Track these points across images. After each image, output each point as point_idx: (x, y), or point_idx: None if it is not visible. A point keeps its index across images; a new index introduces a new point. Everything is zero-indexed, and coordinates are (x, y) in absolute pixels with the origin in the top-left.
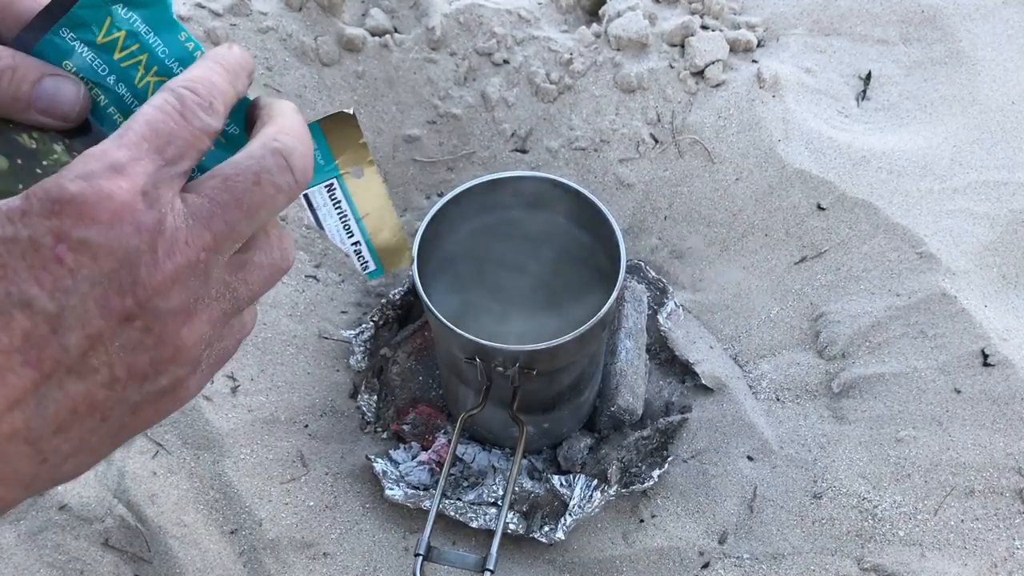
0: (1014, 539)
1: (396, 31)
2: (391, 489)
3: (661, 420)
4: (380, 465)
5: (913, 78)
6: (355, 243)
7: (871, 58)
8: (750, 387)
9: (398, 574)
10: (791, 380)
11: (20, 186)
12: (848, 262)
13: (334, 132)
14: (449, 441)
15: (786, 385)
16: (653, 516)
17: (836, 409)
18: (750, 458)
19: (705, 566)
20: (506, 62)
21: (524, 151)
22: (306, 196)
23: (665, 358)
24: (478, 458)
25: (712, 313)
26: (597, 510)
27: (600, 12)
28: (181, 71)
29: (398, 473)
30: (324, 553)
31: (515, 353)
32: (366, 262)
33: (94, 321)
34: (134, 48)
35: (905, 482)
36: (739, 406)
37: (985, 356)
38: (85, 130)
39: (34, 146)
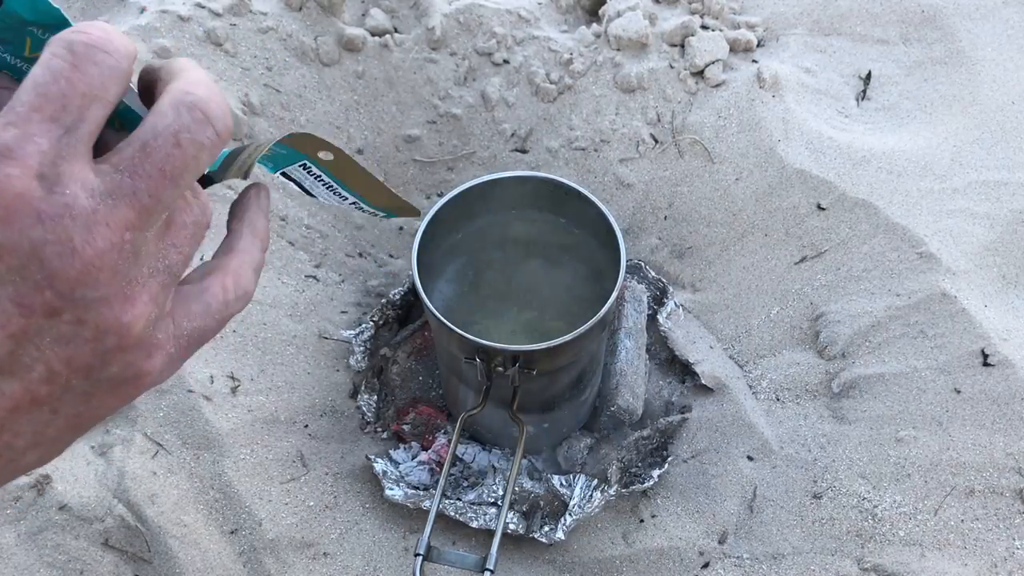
0: (1014, 539)
1: (396, 31)
2: (391, 489)
3: (661, 420)
4: (380, 465)
5: (913, 78)
6: (352, 203)
7: (871, 58)
8: (750, 387)
9: (398, 574)
10: (791, 380)
11: None
12: (848, 262)
13: (292, 139)
14: (449, 441)
15: (786, 385)
16: (653, 516)
17: (836, 409)
18: (750, 458)
19: (705, 566)
20: (506, 62)
21: (524, 151)
22: (284, 174)
23: (665, 358)
24: (478, 458)
25: (712, 313)
26: (597, 510)
27: (600, 12)
28: None
29: (398, 473)
30: (324, 553)
31: (515, 353)
32: (372, 211)
33: (14, 320)
34: None
35: (905, 482)
36: (739, 406)
37: (985, 356)
38: None
39: None
